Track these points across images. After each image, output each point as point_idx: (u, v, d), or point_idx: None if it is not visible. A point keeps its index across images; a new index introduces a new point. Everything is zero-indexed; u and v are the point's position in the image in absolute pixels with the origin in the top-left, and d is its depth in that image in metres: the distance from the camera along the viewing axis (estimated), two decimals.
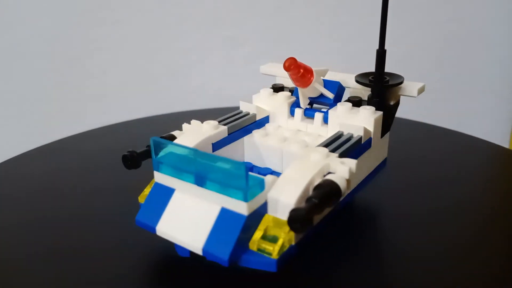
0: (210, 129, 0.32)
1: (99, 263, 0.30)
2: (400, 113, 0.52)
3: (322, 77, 0.35)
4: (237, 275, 0.28)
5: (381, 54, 0.33)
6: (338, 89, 0.35)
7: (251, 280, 0.28)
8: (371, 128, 0.32)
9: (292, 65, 0.31)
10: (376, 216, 0.35)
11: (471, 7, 0.73)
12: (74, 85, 0.77)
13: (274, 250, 0.25)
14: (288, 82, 0.40)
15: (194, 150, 0.26)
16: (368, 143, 0.32)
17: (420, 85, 0.34)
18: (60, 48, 0.75)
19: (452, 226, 0.33)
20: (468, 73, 0.77)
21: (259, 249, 0.25)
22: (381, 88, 0.33)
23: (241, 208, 0.25)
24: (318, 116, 0.35)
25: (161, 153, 0.28)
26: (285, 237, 0.25)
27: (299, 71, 0.32)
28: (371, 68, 0.35)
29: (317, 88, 0.34)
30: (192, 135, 0.32)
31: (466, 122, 0.78)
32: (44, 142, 0.50)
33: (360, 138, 0.31)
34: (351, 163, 0.27)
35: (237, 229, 0.24)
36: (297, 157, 0.32)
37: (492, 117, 0.79)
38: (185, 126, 0.34)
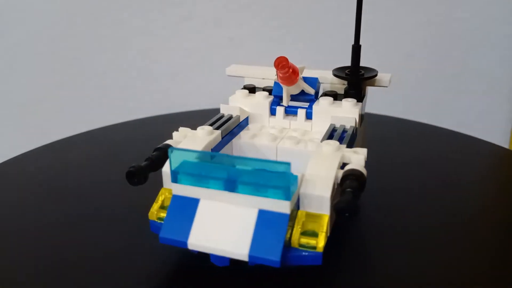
0: (207, 135, 0.32)
1: (102, 263, 0.30)
2: (398, 113, 0.55)
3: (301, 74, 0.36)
4: (234, 274, 0.28)
5: (356, 49, 0.35)
6: (317, 85, 0.36)
7: (249, 279, 0.28)
8: (357, 119, 0.34)
9: (281, 64, 0.32)
10: (371, 215, 0.35)
11: (471, 7, 0.74)
12: (74, 85, 0.79)
13: (319, 243, 0.25)
14: (259, 82, 0.40)
15: (225, 155, 0.26)
16: (356, 133, 0.34)
17: (388, 76, 0.37)
18: (60, 48, 0.76)
19: (448, 225, 0.34)
20: (468, 73, 0.77)
21: (300, 245, 0.26)
22: (358, 80, 0.36)
23: (283, 207, 0.25)
24: (301, 112, 0.36)
25: (177, 163, 0.26)
26: (325, 230, 0.26)
27: (289, 70, 0.33)
28: (341, 63, 0.38)
29: (301, 85, 0.35)
30: (193, 143, 0.31)
31: (465, 122, 0.78)
32: (44, 142, 0.50)
33: (354, 129, 0.33)
34: (363, 151, 0.29)
35: (283, 229, 0.25)
36: (291, 153, 0.33)
37: (492, 117, 0.79)
38: (175, 134, 0.33)
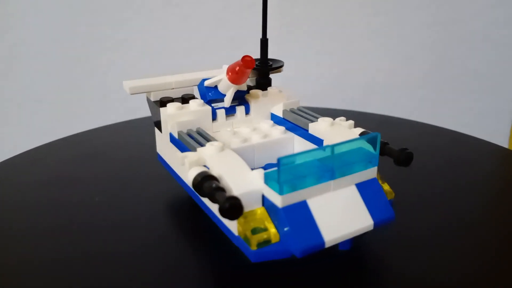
0: (219, 151, 0.29)
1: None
2: (398, 113, 0.57)
3: None
4: (233, 274, 0.29)
5: (264, 42, 0.38)
6: None
7: (247, 279, 0.29)
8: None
9: (251, 63, 0.32)
10: None
11: (472, 7, 0.71)
12: (76, 85, 0.80)
13: (390, 192, 0.30)
14: (175, 93, 0.37)
15: (328, 147, 0.26)
16: None
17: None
18: (62, 48, 0.77)
19: (447, 224, 0.34)
20: (468, 73, 0.75)
21: None
22: (268, 71, 0.39)
23: (372, 173, 0.28)
24: (240, 109, 0.37)
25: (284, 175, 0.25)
26: (385, 182, 0.31)
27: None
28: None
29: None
30: (226, 159, 0.28)
31: (466, 122, 0.76)
32: (45, 141, 0.50)
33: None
34: (343, 118, 0.34)
35: (381, 191, 0.28)
36: (267, 146, 0.34)
37: (492, 117, 0.77)
38: (188, 161, 0.28)
